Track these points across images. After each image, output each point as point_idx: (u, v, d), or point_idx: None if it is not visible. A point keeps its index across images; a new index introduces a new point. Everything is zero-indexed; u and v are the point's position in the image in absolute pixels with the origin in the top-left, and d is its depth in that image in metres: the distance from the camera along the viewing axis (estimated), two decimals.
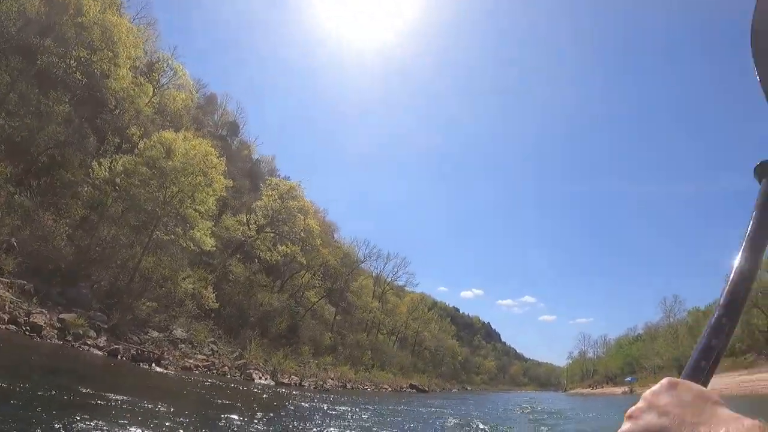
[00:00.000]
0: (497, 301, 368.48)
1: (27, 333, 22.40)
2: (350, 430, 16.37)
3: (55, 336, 24.15)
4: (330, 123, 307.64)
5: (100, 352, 25.15)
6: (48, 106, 34.53)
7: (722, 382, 48.98)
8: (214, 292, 41.86)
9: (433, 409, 31.38)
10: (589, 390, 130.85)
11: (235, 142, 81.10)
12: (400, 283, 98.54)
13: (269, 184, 57.59)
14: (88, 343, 25.51)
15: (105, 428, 9.89)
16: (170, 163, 35.98)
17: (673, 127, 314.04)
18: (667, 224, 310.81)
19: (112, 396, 13.40)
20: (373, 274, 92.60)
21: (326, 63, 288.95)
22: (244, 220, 53.94)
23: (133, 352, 27.21)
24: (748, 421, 0.66)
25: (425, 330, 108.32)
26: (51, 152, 35.07)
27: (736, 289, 0.92)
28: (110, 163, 36.43)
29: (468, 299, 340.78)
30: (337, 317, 72.79)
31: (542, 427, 22.44)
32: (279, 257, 54.41)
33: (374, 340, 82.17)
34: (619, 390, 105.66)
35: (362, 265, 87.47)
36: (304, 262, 58.63)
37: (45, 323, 24.25)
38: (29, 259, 28.05)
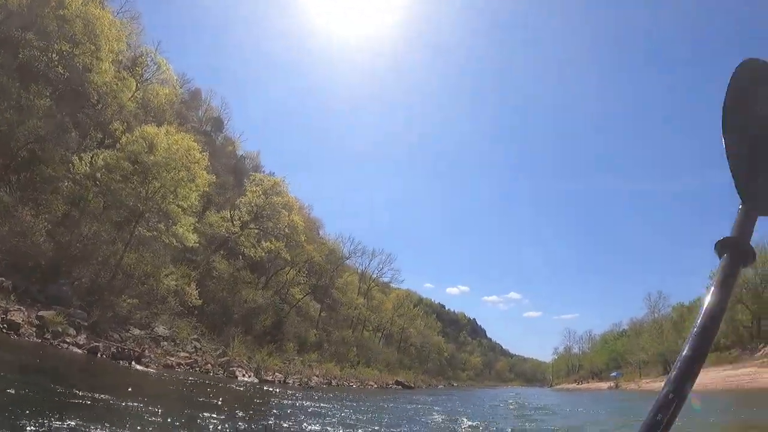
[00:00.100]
0: (483, 297, 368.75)
1: (4, 331, 22.10)
2: (333, 427, 16.17)
3: (34, 334, 23.80)
4: (317, 119, 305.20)
5: (79, 350, 24.83)
6: (29, 100, 33.94)
7: (708, 377, 49.37)
8: (197, 289, 41.52)
9: (418, 405, 31.31)
10: (574, 385, 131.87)
11: (219, 138, 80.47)
12: (386, 280, 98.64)
13: (253, 180, 57.12)
14: (68, 341, 25.17)
15: (80, 428, 9.71)
16: (152, 157, 35.58)
17: (663, 125, 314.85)
18: (650, 221, 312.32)
19: (89, 395, 13.20)
20: (359, 271, 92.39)
21: (315, 59, 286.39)
22: (228, 217, 53.56)
23: (113, 350, 26.88)
24: None
25: (411, 326, 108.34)
26: (31, 147, 34.49)
27: (687, 367, 0.91)
28: (91, 158, 35.92)
29: (454, 296, 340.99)
30: (322, 314, 72.51)
31: (529, 423, 22.40)
32: (263, 254, 54.07)
33: (360, 336, 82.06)
34: (604, 385, 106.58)
35: (347, 261, 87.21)
36: (289, 259, 58.33)
37: (23, 321, 23.89)
38: (8, 256, 27.63)
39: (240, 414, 16.13)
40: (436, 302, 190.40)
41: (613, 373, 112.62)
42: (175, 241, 38.20)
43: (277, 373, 41.14)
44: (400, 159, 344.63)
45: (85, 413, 11.17)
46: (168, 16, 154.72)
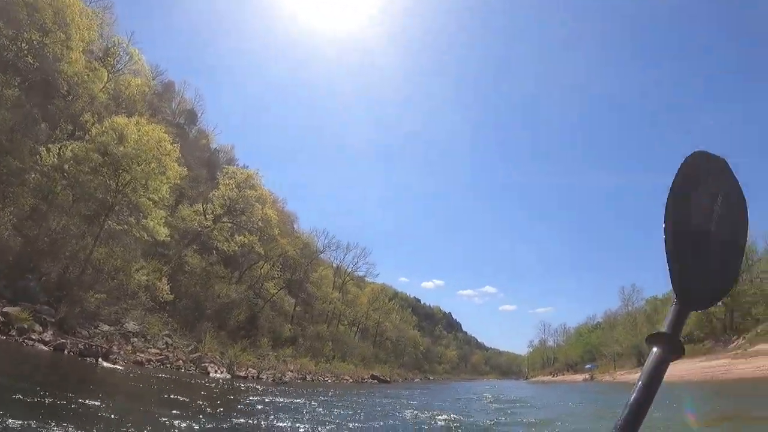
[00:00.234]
0: (458, 291, 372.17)
1: None
2: (306, 424, 15.93)
3: None
4: (294, 114, 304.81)
5: (45, 347, 24.30)
6: None
7: (684, 368, 50.13)
8: (168, 284, 40.96)
9: (394, 399, 31.23)
10: (550, 378, 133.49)
11: (193, 131, 79.56)
12: (361, 274, 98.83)
13: (226, 173, 56.35)
14: (33, 337, 24.64)
15: (38, 429, 9.41)
16: (122, 149, 34.91)
17: (645, 120, 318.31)
18: (625, 215, 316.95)
19: (51, 393, 12.84)
20: (333, 265, 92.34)
21: (292, 52, 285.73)
22: (201, 210, 52.92)
23: (80, 346, 26.31)
24: None
25: (386, 320, 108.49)
26: None
27: None
28: (59, 149, 35.14)
29: (429, 290, 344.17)
30: (297, 308, 72.33)
31: (506, 417, 22.35)
32: (236, 247, 53.57)
33: (335, 331, 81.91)
34: (579, 377, 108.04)
35: (322, 255, 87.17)
36: (263, 253, 57.88)
37: None
38: None
39: (209, 411, 15.81)
40: (411, 296, 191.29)
41: (588, 366, 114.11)
42: (146, 235, 37.56)
43: (250, 369, 40.78)
44: (378, 154, 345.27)
45: (45, 412, 10.84)
46: (142, 7, 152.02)
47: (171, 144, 38.23)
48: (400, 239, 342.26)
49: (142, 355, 31.63)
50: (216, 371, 35.27)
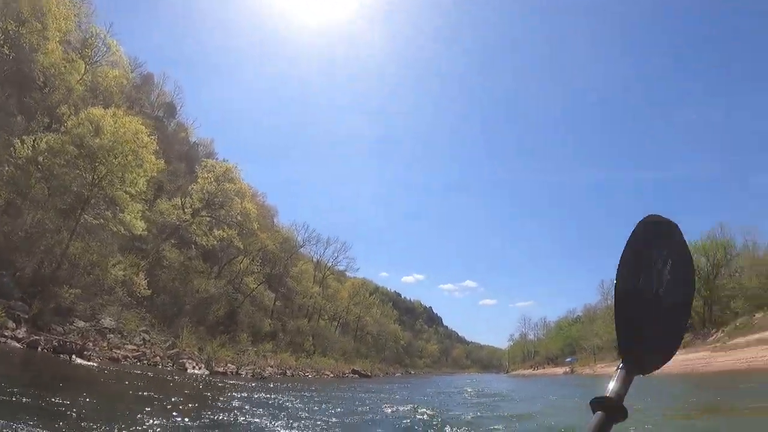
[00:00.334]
0: (439, 285, 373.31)
1: None
2: (284, 420, 15.70)
3: None
4: (276, 109, 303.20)
5: (18, 344, 23.94)
6: None
7: None
8: (146, 279, 40.53)
9: (375, 394, 31.08)
10: (530, 371, 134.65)
11: (171, 124, 78.69)
12: (341, 268, 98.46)
13: (205, 166, 55.82)
14: (6, 334, 24.28)
15: (5, 429, 9.13)
16: (98, 140, 34.36)
17: (626, 115, 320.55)
18: (604, 210, 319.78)
19: (22, 392, 12.58)
20: (314, 259, 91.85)
21: (277, 47, 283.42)
22: (179, 204, 52.39)
23: (54, 343, 25.90)
24: None
25: (367, 315, 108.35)
26: None
27: None
28: (33, 141, 34.50)
29: (409, 284, 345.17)
30: (277, 303, 72.05)
31: (488, 411, 22.26)
32: (215, 242, 53.14)
33: (315, 325, 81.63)
34: (560, 370, 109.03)
35: (302, 249, 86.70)
36: (242, 247, 57.56)
37: None
38: None
39: (184, 408, 15.51)
40: (392, 291, 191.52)
41: (568, 359, 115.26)
42: (122, 229, 37.06)
43: (229, 365, 40.46)
44: (359, 149, 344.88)
45: (15, 411, 10.56)
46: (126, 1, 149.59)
47: (148, 136, 37.75)
48: (381, 234, 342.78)
49: (119, 351, 31.21)
50: (194, 367, 34.89)
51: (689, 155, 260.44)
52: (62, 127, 35.91)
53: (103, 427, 10.75)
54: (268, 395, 23.44)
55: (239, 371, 39.34)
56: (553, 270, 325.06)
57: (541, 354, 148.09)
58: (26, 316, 27.22)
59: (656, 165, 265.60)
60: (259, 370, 42.23)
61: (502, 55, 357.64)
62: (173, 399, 17.09)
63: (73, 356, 25.34)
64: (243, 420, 14.64)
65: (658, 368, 1.35)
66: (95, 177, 34.70)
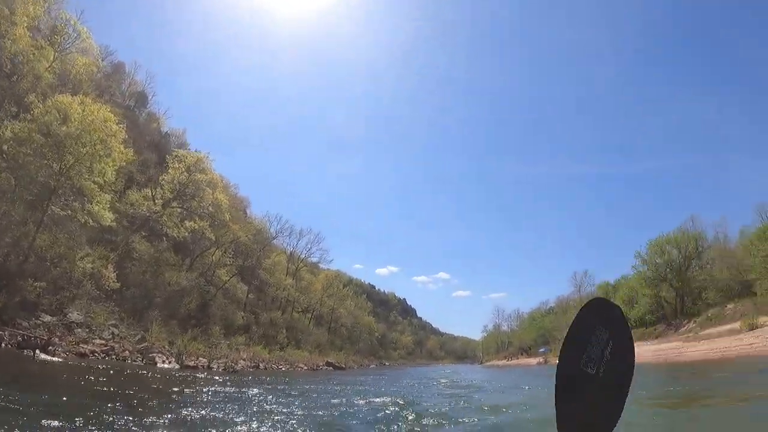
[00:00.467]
0: (412, 277, 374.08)
1: None
2: (254, 414, 15.37)
3: None
4: (250, 99, 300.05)
5: None
6: None
7: (639, 350, 51.03)
8: (115, 272, 39.77)
9: (350, 386, 30.96)
10: (504, 361, 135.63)
11: (143, 114, 77.46)
12: (314, 260, 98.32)
13: (175, 156, 54.85)
14: None
15: None
16: (65, 129, 33.53)
17: (606, 110, 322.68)
18: (577, 203, 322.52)
19: None
20: (287, 251, 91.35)
21: (249, 37, 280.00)
22: (150, 195, 51.48)
23: (18, 338, 25.25)
24: None
25: (341, 307, 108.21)
26: None
27: None
28: None
29: (383, 276, 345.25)
30: (249, 296, 71.63)
31: (459, 402, 22.16)
32: (187, 233, 52.38)
33: (289, 318, 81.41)
34: (533, 360, 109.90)
35: (275, 241, 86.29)
36: (214, 239, 56.95)
37: None
38: None
39: (151, 403, 15.16)
40: (366, 283, 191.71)
41: (542, 349, 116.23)
42: (91, 221, 36.29)
43: (200, 358, 39.96)
44: (333, 141, 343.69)
45: None
46: None
47: (117, 125, 36.99)
48: (355, 226, 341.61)
49: (86, 346, 30.60)
50: (164, 361, 34.41)
51: (662, 149, 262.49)
52: (29, 116, 34.95)
53: (63, 424, 10.37)
54: (239, 389, 23.13)
55: (211, 365, 38.87)
56: (526, 262, 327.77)
57: (514, 345, 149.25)
58: None
59: (628, 158, 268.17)
60: (231, 364, 41.76)
61: (482, 49, 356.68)
62: (140, 394, 16.71)
63: (38, 351, 24.71)
64: (211, 415, 14.24)
65: None
66: (62, 166, 33.90)
